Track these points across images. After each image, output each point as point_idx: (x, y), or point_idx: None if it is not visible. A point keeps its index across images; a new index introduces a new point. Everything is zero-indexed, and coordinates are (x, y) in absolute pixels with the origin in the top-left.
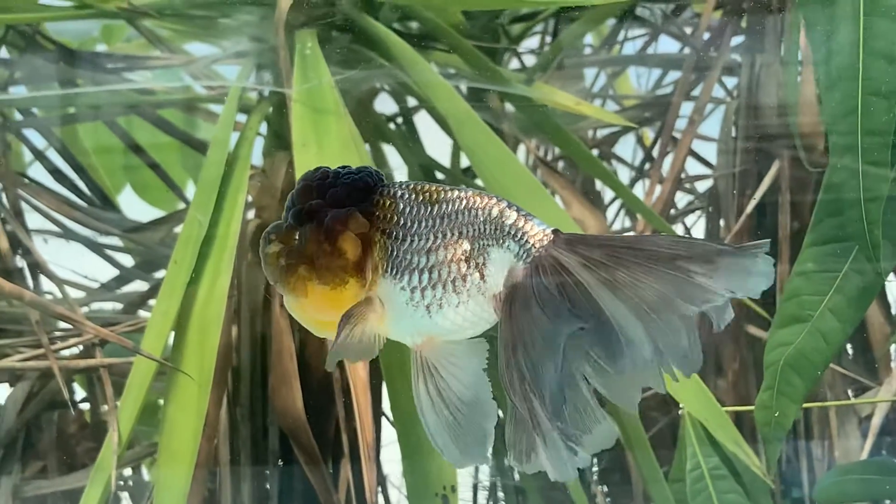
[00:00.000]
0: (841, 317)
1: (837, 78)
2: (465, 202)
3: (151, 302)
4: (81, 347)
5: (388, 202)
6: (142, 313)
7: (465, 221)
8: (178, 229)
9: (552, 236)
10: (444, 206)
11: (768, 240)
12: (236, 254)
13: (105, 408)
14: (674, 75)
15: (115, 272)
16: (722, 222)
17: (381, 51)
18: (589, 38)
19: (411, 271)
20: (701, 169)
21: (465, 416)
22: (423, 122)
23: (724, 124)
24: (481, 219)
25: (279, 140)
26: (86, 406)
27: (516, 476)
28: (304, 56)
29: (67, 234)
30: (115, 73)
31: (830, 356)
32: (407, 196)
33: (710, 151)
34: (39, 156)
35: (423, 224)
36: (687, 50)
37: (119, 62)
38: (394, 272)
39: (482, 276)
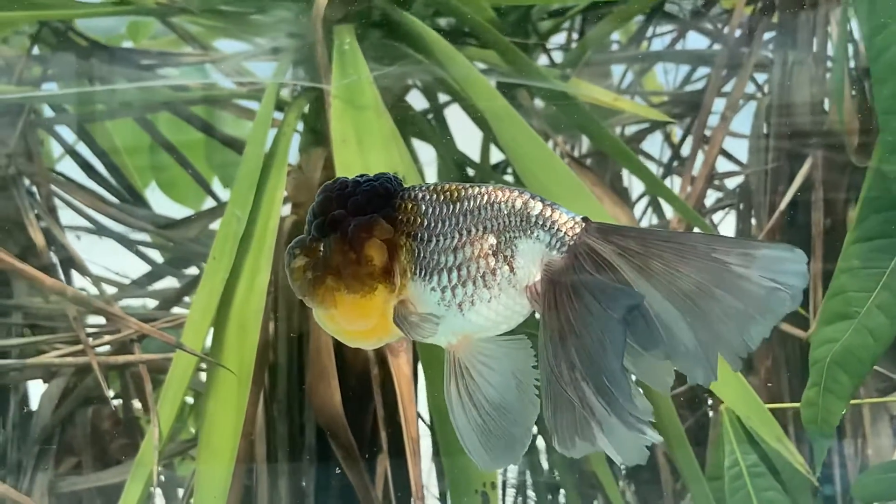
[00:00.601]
0: (889, 313)
1: (890, 73)
2: (486, 197)
3: (187, 299)
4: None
5: (410, 205)
6: (176, 310)
7: (488, 216)
8: (212, 225)
9: (583, 224)
10: (467, 203)
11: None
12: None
13: (137, 404)
14: (701, 72)
15: (146, 269)
16: (753, 220)
17: (418, 46)
18: (616, 35)
19: (440, 271)
20: (730, 166)
21: (496, 420)
22: (453, 118)
23: (756, 121)
24: (505, 212)
25: (315, 136)
26: (117, 403)
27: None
28: (343, 52)
29: (100, 231)
30: (148, 69)
31: (879, 353)
32: (428, 197)
33: (739, 148)
34: (72, 153)
35: (447, 223)
36: (717, 46)
37: (153, 59)
38: (422, 274)
39: (512, 269)
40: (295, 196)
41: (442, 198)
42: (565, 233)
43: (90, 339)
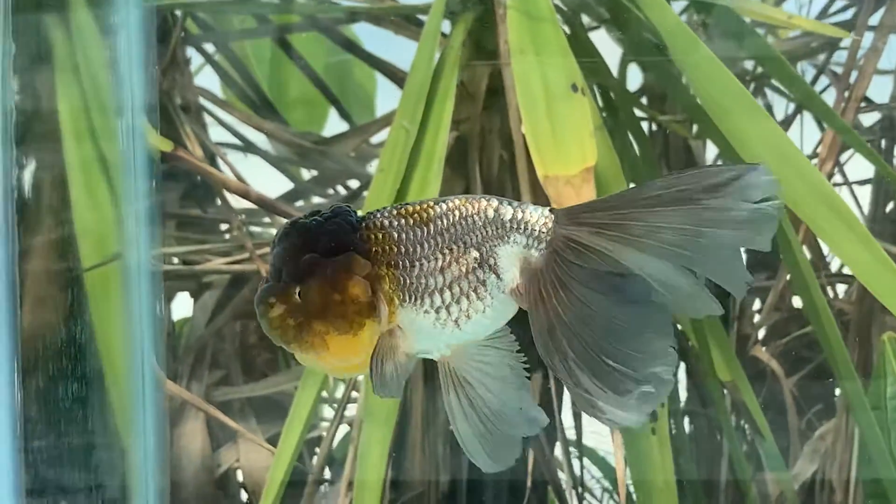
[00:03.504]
0: None
1: None
2: (458, 213)
3: None
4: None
5: (381, 235)
6: None
7: (465, 231)
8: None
9: (552, 216)
10: (440, 223)
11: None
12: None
13: None
14: (838, 4)
15: (289, 187)
16: None
17: None
18: None
19: (430, 293)
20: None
21: (497, 424)
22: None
23: None
24: (480, 224)
25: (479, 51)
26: None
27: None
28: None
29: (248, 148)
30: None
31: None
32: (396, 223)
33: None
34: (219, 70)
35: (426, 246)
36: None
37: None
38: (412, 299)
39: (499, 276)
40: (456, 112)
41: (411, 221)
42: (539, 230)
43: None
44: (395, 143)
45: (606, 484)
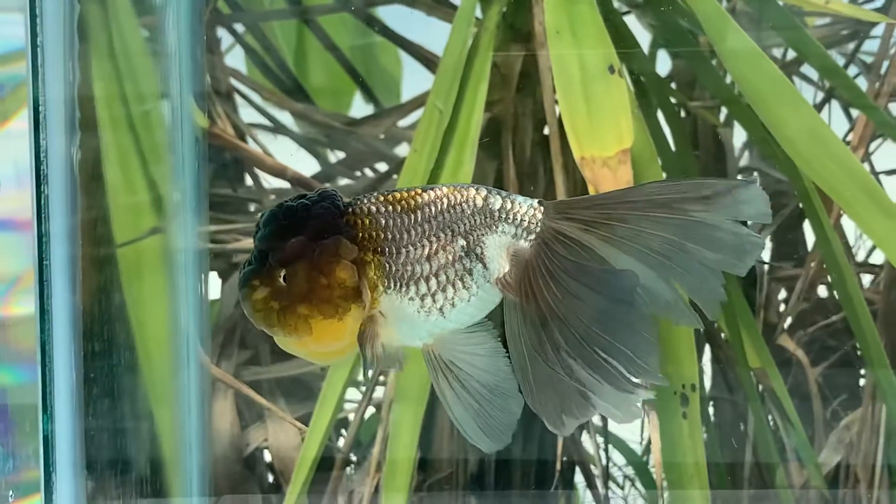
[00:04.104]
0: None
1: None
2: (446, 201)
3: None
4: None
5: (368, 220)
6: None
7: (453, 219)
8: (401, 122)
9: (541, 208)
10: (427, 210)
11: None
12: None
13: None
14: None
15: (315, 169)
16: None
17: None
18: None
19: (416, 281)
20: None
21: (492, 401)
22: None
23: None
24: (468, 212)
25: (514, 33)
26: None
27: None
28: None
29: (277, 129)
30: None
31: None
32: (384, 210)
33: None
34: (250, 51)
35: (413, 233)
36: None
37: None
38: (397, 286)
39: (485, 265)
40: (490, 94)
41: (399, 208)
42: (529, 221)
43: None
44: (428, 124)
45: (629, 472)
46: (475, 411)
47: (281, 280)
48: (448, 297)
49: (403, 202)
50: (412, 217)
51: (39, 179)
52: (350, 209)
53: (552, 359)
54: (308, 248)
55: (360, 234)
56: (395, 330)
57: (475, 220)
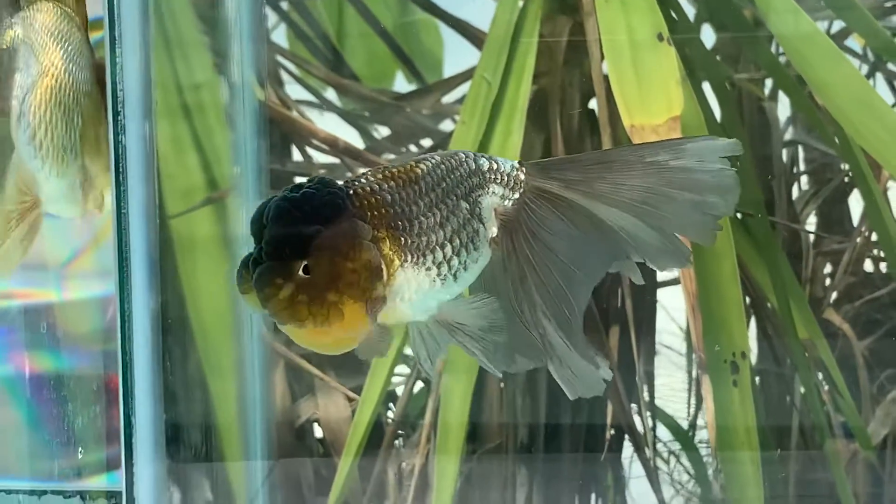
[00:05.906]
0: None
1: None
2: (443, 168)
3: None
4: None
5: (373, 199)
6: None
7: (454, 184)
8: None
9: (523, 168)
10: (429, 179)
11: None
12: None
13: None
14: None
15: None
16: None
17: None
18: None
19: (433, 249)
20: None
21: (511, 339)
22: None
23: None
24: (465, 175)
25: (561, 4)
26: None
27: None
28: None
29: (325, 105)
30: None
31: None
32: (386, 186)
33: None
34: (294, 27)
35: (422, 203)
36: None
37: None
38: (413, 258)
39: (485, 226)
40: (537, 65)
41: (400, 182)
42: (514, 181)
43: None
44: (476, 95)
45: (673, 447)
46: (505, 348)
47: (301, 273)
48: (462, 260)
49: (403, 175)
50: (416, 189)
51: (118, 158)
52: (351, 191)
53: (528, 317)
54: (327, 236)
55: (370, 213)
56: (407, 305)
57: (472, 182)
